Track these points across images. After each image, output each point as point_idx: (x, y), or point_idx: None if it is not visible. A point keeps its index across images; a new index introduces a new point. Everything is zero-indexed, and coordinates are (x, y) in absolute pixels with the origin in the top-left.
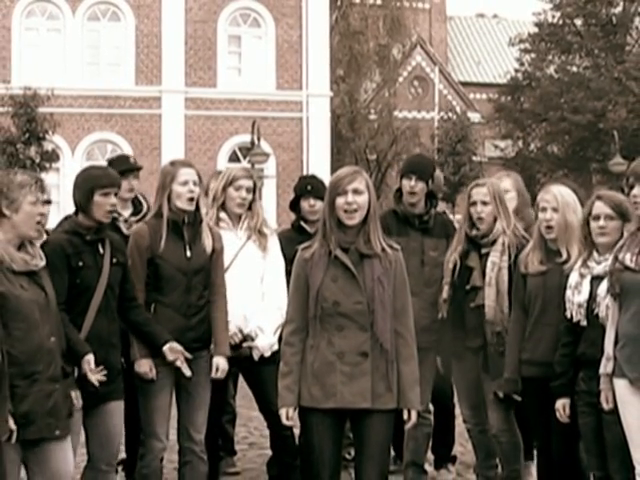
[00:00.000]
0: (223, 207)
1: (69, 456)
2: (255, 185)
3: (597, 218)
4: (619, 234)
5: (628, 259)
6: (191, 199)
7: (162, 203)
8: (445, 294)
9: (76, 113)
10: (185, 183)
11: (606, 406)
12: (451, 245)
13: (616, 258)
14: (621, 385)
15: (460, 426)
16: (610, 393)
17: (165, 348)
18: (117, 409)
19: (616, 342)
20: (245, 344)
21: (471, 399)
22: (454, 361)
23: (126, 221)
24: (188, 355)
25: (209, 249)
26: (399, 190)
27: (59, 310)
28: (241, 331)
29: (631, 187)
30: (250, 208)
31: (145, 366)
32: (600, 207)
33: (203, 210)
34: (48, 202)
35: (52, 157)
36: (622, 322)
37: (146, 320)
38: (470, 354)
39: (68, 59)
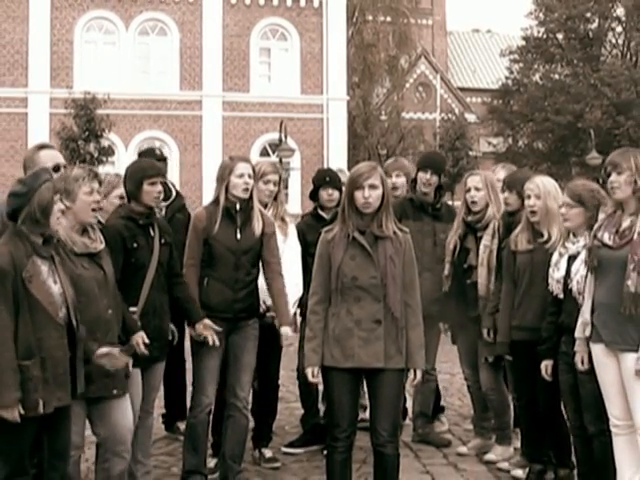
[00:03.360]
0: None
1: (128, 412)
2: (280, 178)
3: (561, 206)
4: (582, 219)
5: (606, 237)
6: (246, 189)
7: (220, 192)
8: (447, 271)
9: (129, 114)
10: (241, 176)
11: (581, 367)
12: (451, 228)
13: (595, 236)
14: (597, 349)
15: (459, 382)
16: (585, 355)
17: (198, 325)
18: (160, 369)
19: (592, 310)
20: (268, 314)
21: (471, 360)
22: (456, 328)
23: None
24: (218, 329)
25: (258, 232)
26: (414, 181)
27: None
28: (264, 303)
29: (608, 175)
30: (275, 198)
31: (190, 331)
32: (563, 197)
33: (256, 199)
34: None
35: (108, 152)
36: (599, 293)
37: (187, 297)
38: (471, 323)
39: (122, 68)
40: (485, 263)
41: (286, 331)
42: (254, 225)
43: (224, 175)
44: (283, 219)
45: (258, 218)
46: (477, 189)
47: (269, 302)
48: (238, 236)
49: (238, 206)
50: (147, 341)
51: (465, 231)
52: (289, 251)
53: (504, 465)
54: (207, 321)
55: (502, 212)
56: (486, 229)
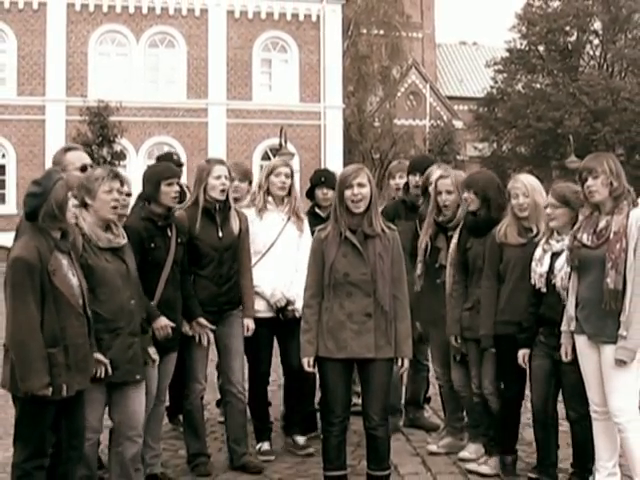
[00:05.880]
0: (269, 192)
1: (143, 399)
2: (292, 172)
3: (546, 207)
4: (567, 218)
5: (585, 238)
6: (223, 190)
7: (199, 194)
8: (419, 270)
9: (139, 121)
10: (218, 177)
11: (565, 358)
12: (423, 229)
13: (574, 237)
14: (580, 340)
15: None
16: (570, 347)
17: (194, 323)
18: (173, 358)
19: (576, 305)
20: (289, 307)
21: (442, 359)
22: (429, 327)
23: None
24: (212, 327)
25: (237, 230)
26: (407, 184)
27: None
28: (284, 296)
29: (585, 180)
30: (289, 193)
31: (186, 326)
32: (548, 198)
33: (232, 199)
34: (128, 194)
35: (120, 156)
36: (581, 289)
37: (189, 294)
38: (442, 321)
39: (133, 78)
40: (454, 263)
41: (247, 323)
42: (232, 223)
43: (202, 177)
44: (298, 215)
45: (235, 216)
46: (449, 192)
47: (288, 295)
48: (220, 234)
49: (217, 206)
50: (172, 324)
51: (436, 231)
52: (305, 246)
53: (472, 466)
54: (202, 320)
55: (466, 213)
56: (456, 229)
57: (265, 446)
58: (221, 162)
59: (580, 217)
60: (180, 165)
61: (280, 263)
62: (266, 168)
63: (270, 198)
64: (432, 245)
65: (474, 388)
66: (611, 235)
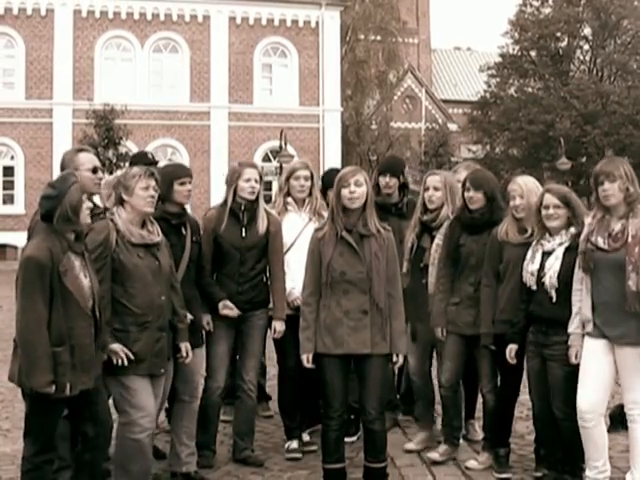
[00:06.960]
0: (289, 195)
1: (160, 393)
2: (312, 174)
3: (547, 207)
4: (566, 219)
5: (600, 242)
6: (252, 192)
7: (228, 195)
8: (404, 269)
9: (144, 124)
10: (248, 180)
11: (574, 360)
12: (409, 228)
13: (588, 240)
14: (597, 343)
15: None
16: (580, 349)
17: (220, 304)
18: (198, 355)
19: (593, 309)
20: None
21: (420, 354)
22: (416, 325)
23: None
24: (237, 311)
25: (262, 231)
26: (377, 185)
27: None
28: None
29: (601, 183)
30: (310, 193)
31: (203, 320)
32: (549, 198)
33: (261, 200)
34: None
35: (125, 158)
36: (597, 292)
37: (209, 283)
38: (427, 319)
39: (137, 82)
40: (436, 262)
41: (274, 325)
42: (259, 224)
43: (233, 179)
44: (320, 214)
45: (263, 218)
46: (436, 189)
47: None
48: (243, 234)
49: (243, 207)
50: (190, 315)
51: (421, 230)
52: None
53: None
54: (227, 302)
55: (459, 209)
56: (439, 229)
57: (294, 444)
58: (252, 165)
59: (588, 220)
60: (155, 163)
61: (300, 263)
62: (286, 171)
63: (291, 200)
64: (418, 244)
65: (442, 381)
66: (629, 238)
